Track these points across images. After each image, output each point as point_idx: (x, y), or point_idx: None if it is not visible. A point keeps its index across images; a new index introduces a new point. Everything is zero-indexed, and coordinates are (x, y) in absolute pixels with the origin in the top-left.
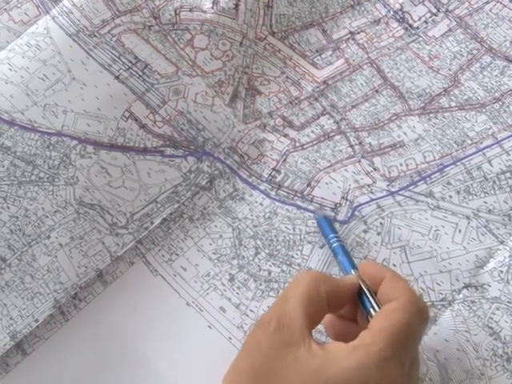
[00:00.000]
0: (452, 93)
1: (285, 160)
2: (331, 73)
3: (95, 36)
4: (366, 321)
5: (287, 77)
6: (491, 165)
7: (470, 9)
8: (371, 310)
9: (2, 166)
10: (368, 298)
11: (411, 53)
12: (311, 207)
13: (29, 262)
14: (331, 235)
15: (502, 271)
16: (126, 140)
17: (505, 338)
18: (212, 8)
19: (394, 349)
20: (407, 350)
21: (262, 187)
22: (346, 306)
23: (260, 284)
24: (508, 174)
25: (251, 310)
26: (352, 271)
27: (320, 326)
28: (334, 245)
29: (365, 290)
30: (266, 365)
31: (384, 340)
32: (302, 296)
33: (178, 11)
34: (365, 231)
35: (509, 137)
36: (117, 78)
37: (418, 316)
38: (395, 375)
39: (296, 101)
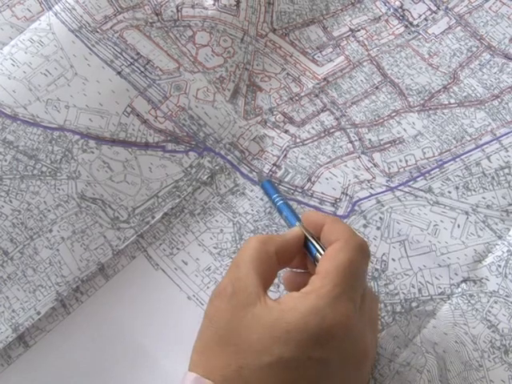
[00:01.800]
0: (451, 90)
1: (285, 156)
2: (331, 69)
3: (97, 32)
4: (315, 267)
5: (288, 73)
6: (490, 161)
7: (470, 7)
8: (317, 254)
9: (4, 160)
10: (313, 244)
11: (411, 50)
12: (311, 201)
13: (31, 256)
14: (275, 195)
15: (500, 265)
16: (127, 135)
17: (503, 331)
18: (213, 5)
19: (342, 287)
20: (355, 286)
21: None
22: (294, 259)
23: None
24: (506, 170)
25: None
26: (296, 223)
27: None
28: (279, 203)
29: (308, 237)
30: (228, 328)
31: (332, 281)
32: (251, 259)
33: (179, 8)
34: (364, 226)
35: (507, 133)
36: (119, 73)
37: (360, 251)
38: (348, 311)
39: (296, 97)
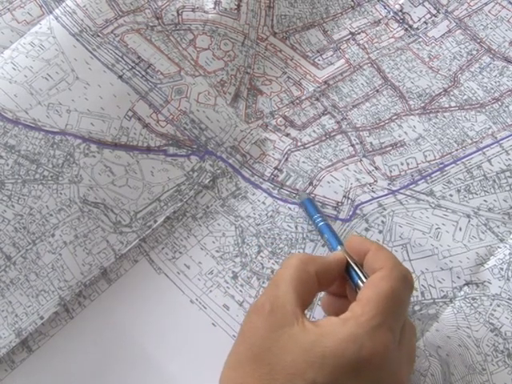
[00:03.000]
0: (452, 93)
1: (287, 159)
2: (332, 73)
3: (98, 36)
4: (355, 294)
5: (288, 77)
6: (491, 164)
7: (470, 10)
8: (359, 282)
9: (6, 164)
10: (355, 271)
11: (411, 53)
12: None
13: (33, 260)
14: (316, 215)
15: (502, 268)
16: (129, 139)
17: (506, 334)
18: (214, 8)
19: (383, 316)
20: (396, 317)
21: (264, 186)
22: (334, 282)
23: (263, 282)
24: (508, 173)
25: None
26: (338, 247)
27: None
28: (320, 224)
29: (351, 263)
30: (263, 346)
31: (373, 309)
32: (291, 279)
33: (180, 12)
34: (366, 229)
35: (508, 136)
36: (120, 77)
37: (403, 282)
38: (387, 342)
39: (297, 101)
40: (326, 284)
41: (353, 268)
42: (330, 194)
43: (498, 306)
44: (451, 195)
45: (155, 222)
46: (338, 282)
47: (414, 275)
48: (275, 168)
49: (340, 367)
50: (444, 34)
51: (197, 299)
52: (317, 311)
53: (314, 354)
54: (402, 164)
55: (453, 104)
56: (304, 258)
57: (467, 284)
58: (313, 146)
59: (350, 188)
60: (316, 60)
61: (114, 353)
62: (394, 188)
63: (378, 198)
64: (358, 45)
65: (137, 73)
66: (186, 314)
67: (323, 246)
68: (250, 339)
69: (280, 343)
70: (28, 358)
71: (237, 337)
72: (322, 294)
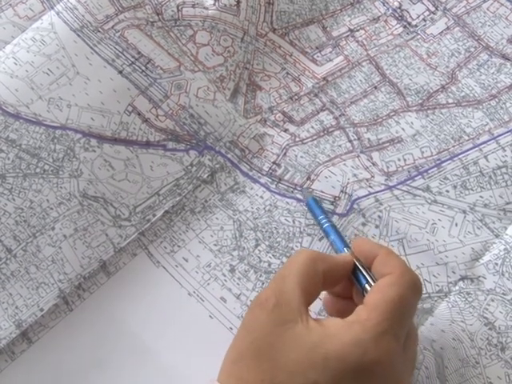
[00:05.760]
0: (449, 90)
1: (285, 154)
2: (331, 69)
3: (99, 31)
4: (362, 297)
5: (287, 73)
6: (487, 160)
7: (468, 7)
8: (366, 285)
9: (7, 158)
10: (363, 274)
11: (409, 50)
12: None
13: (34, 253)
14: (321, 216)
15: (496, 264)
16: (129, 134)
17: (499, 328)
18: (214, 4)
19: (390, 323)
20: (402, 324)
21: (262, 180)
22: (339, 283)
23: (260, 275)
24: (504, 170)
25: (251, 301)
26: (345, 249)
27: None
28: (325, 225)
29: (359, 266)
30: (266, 342)
31: (379, 315)
32: (298, 274)
33: (180, 7)
34: (363, 224)
35: (505, 133)
36: (120, 72)
37: (412, 289)
38: (391, 349)
39: (296, 96)
40: (331, 284)
41: (360, 271)
42: (328, 189)
43: (493, 300)
44: (447, 191)
45: (154, 215)
46: (342, 283)
47: None
48: (273, 163)
49: (342, 371)
50: (442, 31)
51: (194, 292)
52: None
53: (316, 354)
54: (399, 160)
55: (450, 101)
56: (313, 256)
57: (462, 279)
58: (311, 141)
59: (348, 183)
60: (315, 56)
61: (112, 345)
62: (390, 183)
63: (374, 193)
64: (357, 42)
65: (137, 68)
66: (183, 307)
67: (320, 240)
68: (253, 333)
69: (283, 339)
70: (28, 350)
71: (238, 329)
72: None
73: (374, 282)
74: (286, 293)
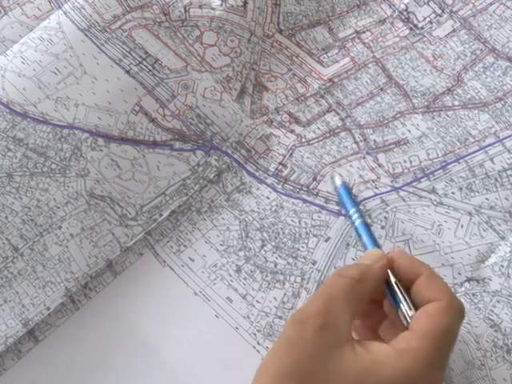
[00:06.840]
0: (455, 92)
1: (291, 155)
2: (337, 71)
3: (106, 31)
4: (393, 309)
5: (294, 74)
6: (493, 162)
7: (474, 10)
8: (402, 306)
9: (14, 157)
10: (403, 295)
11: (416, 52)
12: (317, 200)
13: (40, 252)
14: (352, 210)
15: (502, 266)
16: (135, 133)
17: (505, 330)
18: (221, 5)
19: (439, 353)
20: (449, 354)
21: (268, 181)
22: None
23: (266, 275)
24: (509, 172)
25: (257, 301)
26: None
27: None
28: (357, 222)
29: (398, 292)
30: (310, 365)
31: (430, 345)
32: (348, 297)
33: (187, 8)
34: (369, 225)
35: (511, 135)
36: (127, 72)
37: (460, 318)
38: (438, 379)
39: (302, 97)
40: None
41: (400, 292)
42: (334, 190)
43: (498, 302)
44: (453, 193)
45: (160, 215)
46: None
47: None
48: (279, 163)
49: None
50: (448, 34)
51: (200, 291)
52: None
53: (365, 382)
54: (404, 162)
55: (456, 103)
56: (361, 278)
57: (468, 280)
58: (317, 142)
59: (354, 184)
60: (321, 57)
61: (118, 344)
62: (396, 185)
63: (380, 194)
64: (363, 43)
65: (144, 68)
66: (189, 306)
67: (326, 240)
68: (298, 352)
69: (329, 366)
70: (34, 348)
71: (278, 343)
72: None
73: (415, 305)
74: (335, 314)
